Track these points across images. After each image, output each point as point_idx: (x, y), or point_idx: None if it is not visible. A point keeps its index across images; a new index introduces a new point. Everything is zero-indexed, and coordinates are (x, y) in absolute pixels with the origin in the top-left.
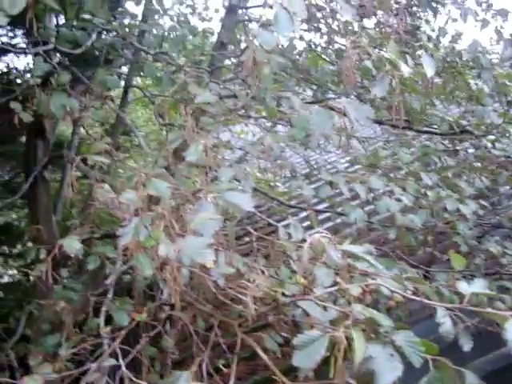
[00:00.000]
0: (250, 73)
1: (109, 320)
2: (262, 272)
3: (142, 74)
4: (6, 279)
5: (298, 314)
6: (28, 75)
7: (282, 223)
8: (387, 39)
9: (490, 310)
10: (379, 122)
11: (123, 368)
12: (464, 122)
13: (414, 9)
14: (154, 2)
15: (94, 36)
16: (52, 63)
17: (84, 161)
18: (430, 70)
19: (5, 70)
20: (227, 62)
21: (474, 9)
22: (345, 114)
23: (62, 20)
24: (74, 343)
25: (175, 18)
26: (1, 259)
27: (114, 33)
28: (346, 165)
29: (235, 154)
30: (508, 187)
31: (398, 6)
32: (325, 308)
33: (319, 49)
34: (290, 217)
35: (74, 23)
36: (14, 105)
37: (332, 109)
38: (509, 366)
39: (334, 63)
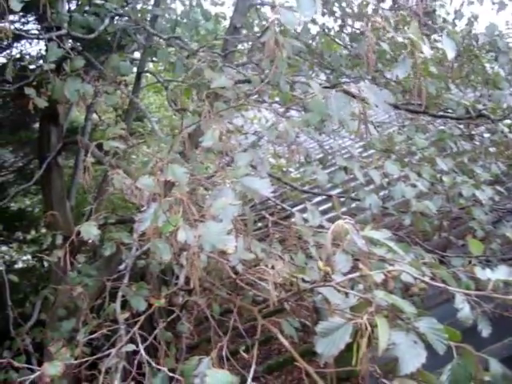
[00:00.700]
0: (272, 54)
1: (124, 305)
2: (280, 258)
3: (154, 59)
4: (20, 265)
5: (318, 300)
6: (41, 61)
7: (295, 209)
8: (403, 22)
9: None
10: (394, 107)
11: (142, 352)
12: (480, 106)
13: None
14: None
15: (106, 21)
16: (65, 49)
17: (98, 146)
18: (450, 52)
19: (18, 56)
20: (240, 46)
21: None
22: (363, 99)
23: (74, 5)
24: (91, 328)
25: (187, 2)
26: (15, 245)
27: (127, 18)
28: (361, 150)
29: (247, 140)
30: None
31: None
32: (346, 294)
33: (333, 33)
34: (307, 202)
35: (87, 8)
36: (29, 90)
37: (348, 93)
38: None
39: (348, 47)
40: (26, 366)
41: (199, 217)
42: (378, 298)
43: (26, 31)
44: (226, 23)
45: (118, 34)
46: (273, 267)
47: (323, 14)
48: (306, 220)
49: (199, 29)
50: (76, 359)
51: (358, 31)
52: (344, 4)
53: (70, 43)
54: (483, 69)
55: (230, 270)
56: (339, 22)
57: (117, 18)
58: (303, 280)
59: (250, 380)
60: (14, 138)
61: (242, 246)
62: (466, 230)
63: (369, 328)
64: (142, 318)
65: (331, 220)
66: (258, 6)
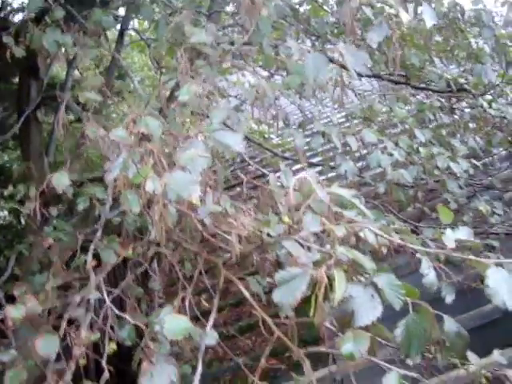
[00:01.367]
0: (246, 13)
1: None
2: (249, 214)
3: (138, 16)
4: None
5: (282, 255)
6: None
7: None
8: None
9: (472, 257)
10: (377, 77)
11: (108, 302)
12: (462, 81)
13: None
14: None
15: None
16: (47, 0)
17: (78, 103)
18: (429, 21)
19: None
20: (228, 8)
21: None
22: (342, 66)
23: None
24: (61, 279)
25: None
26: None
27: None
28: (343, 120)
29: (230, 104)
30: (501, 149)
31: None
32: (309, 249)
33: None
34: (281, 164)
35: None
36: (7, 39)
37: (326, 55)
38: (489, 324)
39: (335, 14)
40: None
41: (169, 168)
42: (339, 252)
43: None
44: None
45: None
46: (240, 222)
47: None
48: (280, 182)
49: None
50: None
51: None
52: None
53: None
54: (468, 43)
55: (198, 223)
56: None
57: None
58: (269, 235)
59: (209, 327)
60: None
61: (210, 200)
62: (440, 203)
63: (326, 280)
64: (108, 267)
65: None
66: None
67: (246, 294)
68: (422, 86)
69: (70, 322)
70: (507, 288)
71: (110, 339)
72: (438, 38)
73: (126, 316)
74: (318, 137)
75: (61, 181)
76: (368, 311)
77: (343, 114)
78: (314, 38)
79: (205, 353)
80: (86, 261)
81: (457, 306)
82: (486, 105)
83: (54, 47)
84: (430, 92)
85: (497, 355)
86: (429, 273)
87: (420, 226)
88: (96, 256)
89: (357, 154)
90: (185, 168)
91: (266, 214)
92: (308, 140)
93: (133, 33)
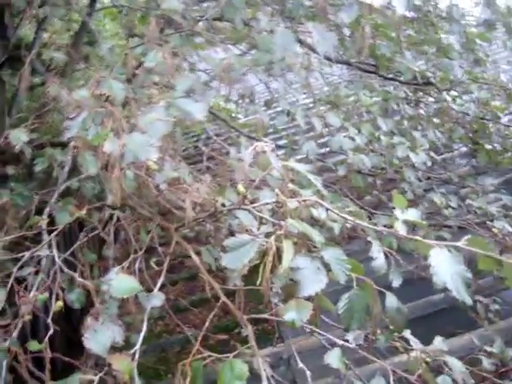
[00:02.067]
0: None
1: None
2: (207, 184)
3: None
4: None
5: (234, 224)
6: None
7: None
8: None
9: (417, 237)
10: (346, 63)
11: (57, 260)
12: (429, 74)
13: None
14: None
15: None
16: None
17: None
18: (400, 8)
19: None
20: None
21: None
22: (311, 49)
23: None
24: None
25: None
26: None
27: None
28: (311, 104)
29: (200, 79)
30: (462, 145)
31: None
32: (261, 220)
33: None
34: (242, 138)
35: None
36: None
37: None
38: (436, 313)
39: None
40: None
41: (129, 131)
42: (289, 224)
43: None
44: None
45: None
46: (196, 188)
47: None
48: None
49: None
50: None
51: None
52: None
53: None
54: (438, 38)
55: (154, 188)
56: None
57: None
58: (223, 205)
59: (156, 290)
60: None
61: (168, 167)
62: (398, 192)
63: (274, 249)
64: (61, 226)
65: None
66: None
67: (197, 260)
68: (390, 76)
69: (21, 281)
70: (448, 268)
71: (57, 299)
72: (411, 32)
73: (76, 276)
74: (283, 116)
75: (18, 137)
76: (313, 282)
77: (311, 99)
78: (288, 19)
79: (155, 324)
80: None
81: (406, 295)
82: (449, 99)
83: (21, 2)
84: (398, 83)
85: (439, 342)
86: (378, 257)
87: (376, 213)
88: (52, 219)
89: (320, 140)
90: (144, 131)
91: (228, 184)
92: (274, 119)
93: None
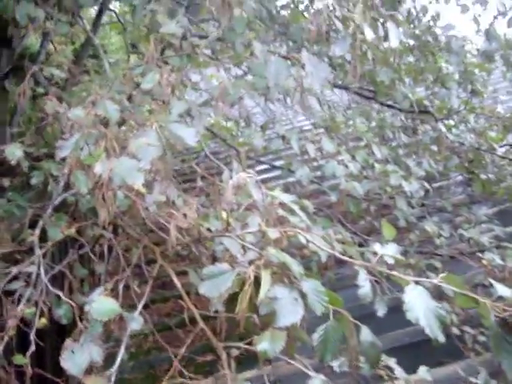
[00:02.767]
0: (218, 9)
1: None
2: (197, 208)
3: None
4: None
5: (219, 250)
6: None
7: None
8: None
9: (394, 272)
10: (344, 88)
11: (43, 277)
12: (427, 103)
13: None
14: None
15: None
16: None
17: (46, 78)
18: (394, 40)
19: None
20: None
21: None
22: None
23: None
24: (5, 249)
25: None
26: None
27: None
28: (309, 127)
29: (201, 98)
30: (457, 174)
31: None
32: (244, 249)
33: (302, 6)
34: (234, 161)
35: None
36: None
37: (288, 59)
38: (424, 341)
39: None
40: None
41: (121, 153)
42: (269, 253)
43: None
44: None
45: None
46: (184, 214)
47: None
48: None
49: None
50: None
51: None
52: None
53: None
54: (437, 67)
55: (142, 211)
56: None
57: None
58: (209, 230)
59: (137, 312)
60: None
61: (158, 189)
62: (392, 219)
63: (252, 278)
64: (50, 243)
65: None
66: None
67: (178, 284)
68: (388, 103)
69: (9, 294)
70: (421, 304)
71: (42, 315)
72: (411, 59)
73: (61, 294)
74: (278, 140)
75: (13, 152)
76: (290, 314)
77: (311, 121)
78: (291, 43)
79: (144, 340)
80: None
81: (394, 322)
82: (443, 129)
83: (24, 20)
84: (396, 110)
85: (423, 372)
86: (364, 285)
87: (368, 239)
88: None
89: (316, 164)
90: (135, 155)
91: (217, 209)
92: (271, 140)
93: (113, 14)
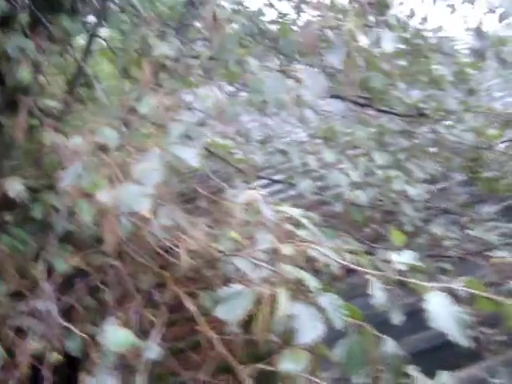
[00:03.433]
0: (210, 29)
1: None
2: (203, 229)
3: (107, 25)
4: None
5: (231, 271)
6: None
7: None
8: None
9: (413, 280)
10: (340, 98)
11: (54, 313)
12: (423, 106)
13: None
14: None
15: None
16: (14, 4)
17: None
18: (388, 45)
19: None
20: (198, 24)
21: None
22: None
23: None
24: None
25: None
26: None
27: None
28: (306, 138)
29: (195, 117)
30: (459, 174)
31: None
32: (257, 267)
33: (290, 19)
34: (237, 179)
35: None
36: None
37: (284, 73)
38: (441, 345)
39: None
40: None
41: (124, 180)
42: (285, 271)
43: None
44: None
45: None
46: (192, 236)
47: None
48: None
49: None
50: None
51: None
52: None
53: None
54: (430, 69)
55: (150, 236)
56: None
57: None
58: (220, 251)
59: (151, 341)
60: None
61: (163, 213)
62: (397, 225)
63: (269, 297)
64: (56, 274)
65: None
66: None
67: (193, 309)
68: (384, 109)
69: (19, 330)
70: (444, 311)
71: (54, 350)
72: (403, 62)
73: (72, 327)
74: (278, 155)
75: (13, 186)
76: (310, 330)
77: (307, 132)
78: (281, 56)
79: (157, 366)
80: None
81: (409, 327)
82: (442, 130)
83: (16, 53)
84: (393, 115)
85: (444, 376)
86: (378, 294)
87: (375, 246)
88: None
89: (317, 174)
90: (138, 181)
91: (222, 229)
92: (270, 154)
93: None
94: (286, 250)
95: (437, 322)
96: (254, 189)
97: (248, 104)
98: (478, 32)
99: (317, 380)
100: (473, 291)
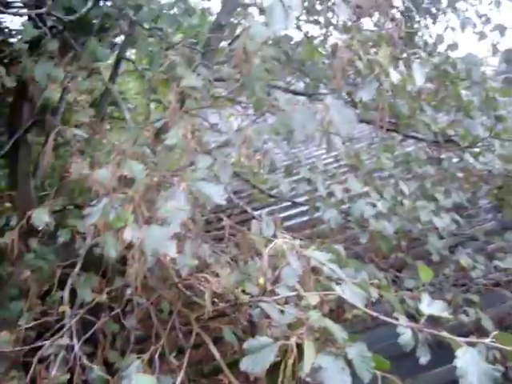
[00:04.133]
0: (239, 63)
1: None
2: (229, 263)
3: (134, 47)
4: None
5: (256, 314)
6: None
7: (260, 211)
8: (382, 41)
9: (445, 333)
10: (367, 123)
11: (76, 349)
12: (451, 132)
13: (414, 14)
14: None
15: (89, 3)
16: (42, 28)
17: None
18: (419, 79)
19: None
20: (223, 44)
21: (473, 20)
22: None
23: None
24: (36, 314)
25: None
26: None
27: (111, 2)
28: (330, 161)
29: (222, 137)
30: (487, 201)
31: (395, 10)
32: (282, 311)
33: (317, 41)
34: (263, 211)
35: None
36: None
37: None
38: None
39: (329, 57)
40: None
41: (149, 217)
42: (312, 320)
43: (7, 4)
44: (213, 18)
45: (100, 18)
46: (217, 275)
47: (308, 22)
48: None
49: (183, 23)
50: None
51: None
52: (329, 14)
53: (51, 21)
54: (457, 95)
55: (175, 274)
56: (323, 31)
57: (101, 2)
58: (244, 292)
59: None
60: None
61: (189, 250)
62: (423, 252)
63: (295, 349)
64: (82, 311)
65: (291, 228)
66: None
67: (216, 354)
68: (411, 134)
69: (42, 360)
70: (476, 369)
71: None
72: (430, 86)
73: (94, 366)
74: (304, 183)
75: (41, 218)
76: (337, 383)
77: (332, 155)
78: (308, 79)
79: None
80: (62, 297)
81: (435, 359)
82: (471, 159)
83: (44, 80)
84: (420, 141)
85: None
86: (405, 332)
87: (401, 275)
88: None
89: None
90: (164, 219)
91: (246, 261)
92: (293, 180)
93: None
94: (312, 299)
95: (466, 380)
96: (284, 236)
97: (274, 132)
98: (507, 57)
99: None
100: (504, 347)
